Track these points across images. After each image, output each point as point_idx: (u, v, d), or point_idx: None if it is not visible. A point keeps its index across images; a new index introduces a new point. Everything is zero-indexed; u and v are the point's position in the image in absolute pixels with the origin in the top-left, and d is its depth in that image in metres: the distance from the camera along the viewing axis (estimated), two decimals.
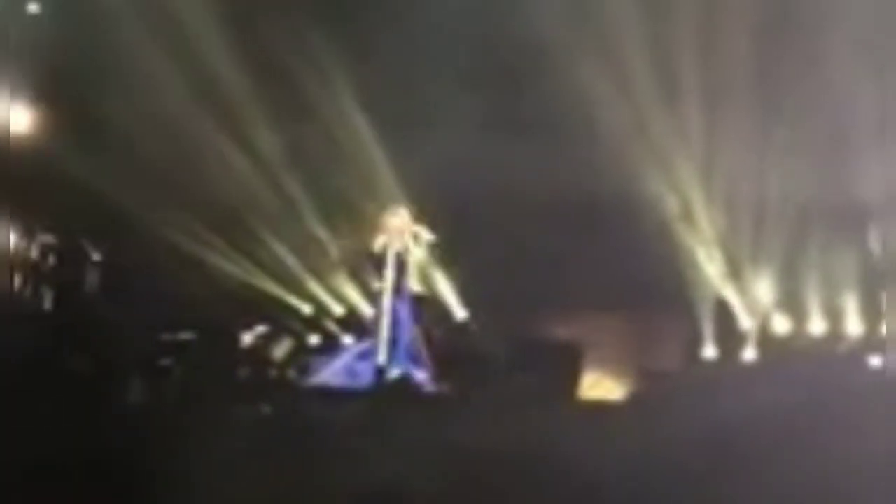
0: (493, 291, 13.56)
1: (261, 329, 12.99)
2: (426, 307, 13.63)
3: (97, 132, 13.63)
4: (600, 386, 12.57)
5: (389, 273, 12.41)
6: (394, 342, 12.36)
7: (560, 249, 13.61)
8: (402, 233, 12.52)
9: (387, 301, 12.43)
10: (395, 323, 12.41)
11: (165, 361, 11.83)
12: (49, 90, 13.60)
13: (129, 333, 11.74)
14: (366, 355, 12.47)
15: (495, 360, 12.41)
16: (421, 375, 12.22)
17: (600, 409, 11.73)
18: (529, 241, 13.56)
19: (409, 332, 12.41)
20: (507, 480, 9.15)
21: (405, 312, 12.45)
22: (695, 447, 9.24)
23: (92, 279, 13.59)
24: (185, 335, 12.29)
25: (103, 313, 12.66)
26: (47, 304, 13.43)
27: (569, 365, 12.07)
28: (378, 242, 12.52)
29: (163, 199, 13.75)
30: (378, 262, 12.53)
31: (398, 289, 12.46)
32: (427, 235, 12.56)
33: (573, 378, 12.01)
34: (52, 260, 13.56)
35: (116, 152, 13.59)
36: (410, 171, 13.91)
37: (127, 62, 13.70)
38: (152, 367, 11.67)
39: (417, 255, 12.60)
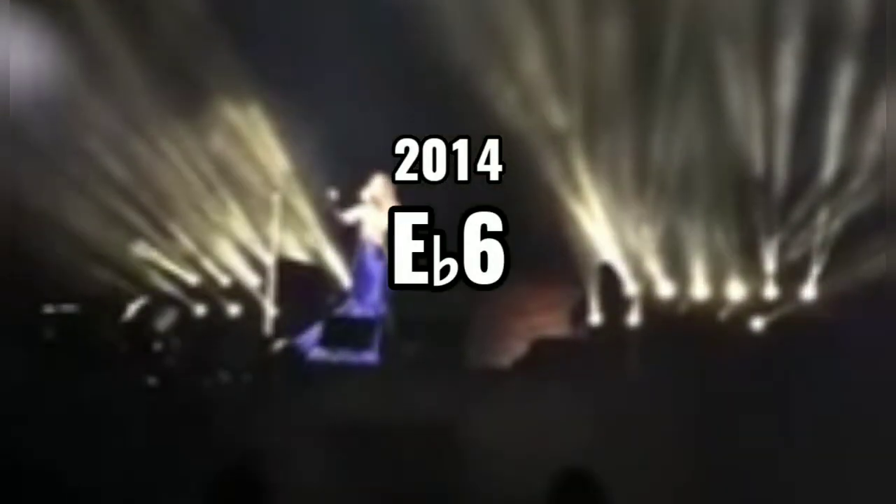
0: None
1: (145, 300, 12.87)
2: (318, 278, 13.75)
3: None
4: (488, 353, 12.67)
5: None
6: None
7: None
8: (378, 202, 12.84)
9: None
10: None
11: (49, 334, 11.68)
12: None
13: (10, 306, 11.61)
14: None
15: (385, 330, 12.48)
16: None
17: (487, 376, 11.85)
18: None
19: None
20: (397, 447, 9.23)
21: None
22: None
23: None
24: (69, 307, 12.15)
25: None
26: None
27: (453, 334, 12.18)
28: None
29: (45, 169, 13.60)
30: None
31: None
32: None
33: (457, 347, 12.13)
34: None
35: None
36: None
37: None
38: (35, 341, 11.53)
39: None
